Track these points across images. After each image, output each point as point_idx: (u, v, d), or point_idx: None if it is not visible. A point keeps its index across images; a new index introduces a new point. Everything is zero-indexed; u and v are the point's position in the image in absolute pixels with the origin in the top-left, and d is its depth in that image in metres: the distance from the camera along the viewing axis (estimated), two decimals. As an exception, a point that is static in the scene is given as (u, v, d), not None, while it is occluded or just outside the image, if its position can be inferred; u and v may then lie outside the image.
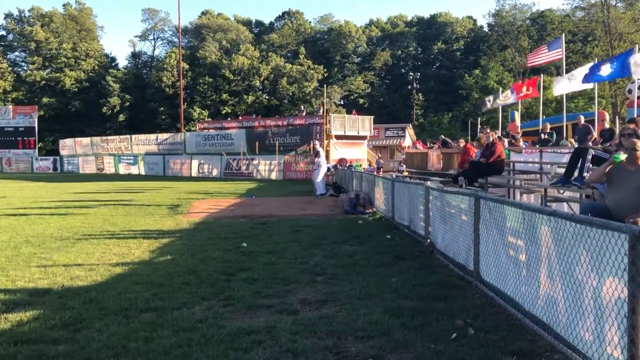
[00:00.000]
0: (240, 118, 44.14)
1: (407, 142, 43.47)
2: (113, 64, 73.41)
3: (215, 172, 36.27)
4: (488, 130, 15.49)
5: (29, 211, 14.10)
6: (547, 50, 18.16)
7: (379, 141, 45.17)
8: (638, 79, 12.07)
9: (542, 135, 16.22)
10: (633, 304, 2.86)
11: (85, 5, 71.80)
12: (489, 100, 23.73)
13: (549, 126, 17.11)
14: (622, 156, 5.34)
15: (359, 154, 32.90)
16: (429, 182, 8.91)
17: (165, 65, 66.22)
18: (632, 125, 6.98)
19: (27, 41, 66.30)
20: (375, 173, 18.32)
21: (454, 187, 9.36)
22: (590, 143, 12.08)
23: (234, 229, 10.39)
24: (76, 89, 64.88)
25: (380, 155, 40.74)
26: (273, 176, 32.46)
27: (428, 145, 32.97)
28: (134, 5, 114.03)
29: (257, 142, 33.68)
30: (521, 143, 16.48)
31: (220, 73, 65.57)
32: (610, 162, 5.51)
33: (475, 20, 76.47)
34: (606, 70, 12.45)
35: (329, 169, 20.89)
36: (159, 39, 76.39)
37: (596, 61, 15.25)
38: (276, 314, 4.83)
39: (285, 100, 67.49)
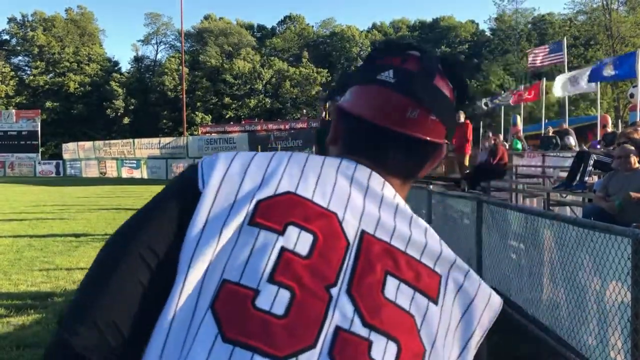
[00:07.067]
0: (243, 122, 44.23)
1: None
2: (116, 67, 73.68)
3: (217, 176, 36.29)
4: (490, 135, 15.52)
5: (32, 215, 14.11)
6: (548, 52, 18.10)
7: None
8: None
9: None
10: (636, 308, 2.85)
11: (87, 10, 72.22)
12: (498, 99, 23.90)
13: (551, 130, 17.06)
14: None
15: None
16: (431, 186, 8.91)
17: (167, 70, 66.45)
18: (629, 130, 6.97)
19: (30, 45, 66.60)
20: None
21: (456, 191, 9.35)
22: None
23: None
24: (79, 93, 65.06)
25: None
26: (275, 180, 32.48)
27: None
28: (136, 10, 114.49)
29: (259, 146, 33.72)
30: (521, 146, 16.46)
31: (222, 77, 65.75)
32: (611, 207, 5.39)
33: (477, 25, 76.46)
34: (609, 70, 12.43)
35: None
36: (161, 43, 76.72)
37: (597, 63, 15.20)
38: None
39: (288, 104, 67.59)
